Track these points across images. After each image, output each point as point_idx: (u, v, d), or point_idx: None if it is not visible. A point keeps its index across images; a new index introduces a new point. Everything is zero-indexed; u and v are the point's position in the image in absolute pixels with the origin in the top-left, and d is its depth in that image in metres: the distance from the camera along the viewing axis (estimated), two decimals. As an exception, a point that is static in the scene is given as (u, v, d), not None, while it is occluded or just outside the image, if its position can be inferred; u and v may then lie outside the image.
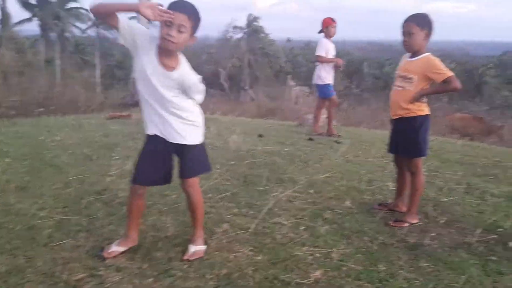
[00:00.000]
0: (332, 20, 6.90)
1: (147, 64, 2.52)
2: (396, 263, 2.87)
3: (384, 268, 2.81)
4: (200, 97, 2.68)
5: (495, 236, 3.34)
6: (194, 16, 2.48)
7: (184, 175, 2.78)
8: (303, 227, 3.35)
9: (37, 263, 2.68)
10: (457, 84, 3.25)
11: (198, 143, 2.78)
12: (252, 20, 53.92)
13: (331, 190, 4.21)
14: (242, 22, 51.63)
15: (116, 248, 2.80)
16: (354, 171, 4.90)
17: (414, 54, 3.41)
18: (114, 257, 2.76)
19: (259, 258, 2.86)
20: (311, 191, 4.17)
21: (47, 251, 2.83)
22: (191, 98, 2.66)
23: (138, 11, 2.40)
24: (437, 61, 3.32)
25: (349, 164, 5.21)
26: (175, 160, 2.81)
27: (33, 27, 39.57)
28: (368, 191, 4.25)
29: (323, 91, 7.11)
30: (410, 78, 3.39)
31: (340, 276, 2.69)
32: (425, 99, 3.45)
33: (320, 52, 6.89)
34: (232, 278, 2.62)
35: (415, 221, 3.53)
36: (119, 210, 3.52)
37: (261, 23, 54.97)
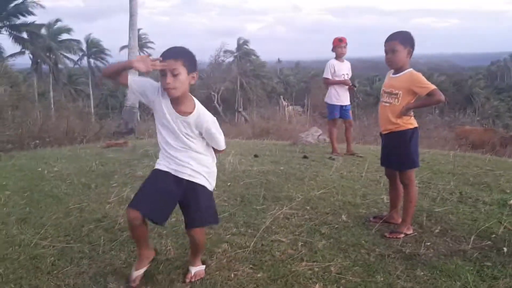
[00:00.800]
0: (339, 40, 6.75)
1: (166, 112, 2.62)
2: (393, 273, 2.94)
3: (382, 278, 2.87)
4: (221, 138, 2.77)
5: (489, 242, 3.43)
6: (182, 55, 2.55)
7: (194, 224, 2.78)
8: (301, 243, 3.42)
9: (42, 291, 2.73)
10: (441, 96, 3.37)
11: (209, 189, 2.83)
12: (242, 44, 54.68)
13: (326, 206, 4.30)
14: (232, 46, 52.35)
15: (136, 274, 2.79)
16: (348, 186, 4.99)
17: (398, 70, 3.55)
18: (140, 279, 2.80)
19: (259, 275, 2.92)
20: (308, 207, 4.25)
21: (51, 279, 2.88)
22: (213, 143, 2.77)
23: (131, 67, 2.53)
24: (420, 76, 3.44)
25: (344, 180, 5.30)
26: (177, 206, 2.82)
27: (25, 61, 39.89)
28: (363, 205, 4.33)
29: (328, 111, 7.11)
30: (395, 94, 3.51)
31: (339, 289, 2.75)
32: (411, 113, 3.56)
33: (326, 74, 6.83)
34: (234, 296, 2.67)
35: (410, 231, 3.61)
36: (119, 236, 3.58)
37: (251, 46, 55.81)
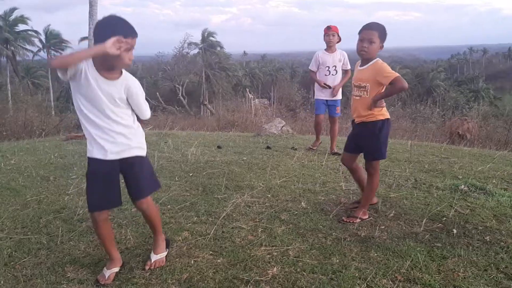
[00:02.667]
0: (327, 28, 6.15)
1: (91, 82, 2.52)
2: (349, 255, 3.05)
3: (337, 260, 2.98)
4: (147, 105, 2.75)
5: (440, 224, 3.60)
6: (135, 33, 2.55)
7: (143, 194, 2.78)
8: (261, 229, 3.49)
9: (-1, 282, 2.70)
10: (403, 83, 3.36)
11: (144, 155, 2.81)
12: (207, 36, 54.23)
13: (287, 193, 4.39)
14: (197, 38, 51.82)
15: (109, 272, 2.76)
16: (309, 175, 5.10)
17: (365, 61, 3.57)
18: (112, 279, 2.75)
19: (219, 260, 2.97)
20: (269, 195, 4.33)
21: (9, 270, 2.85)
22: (137, 110, 2.74)
23: (105, 52, 2.39)
24: (384, 65, 3.47)
25: (305, 168, 5.41)
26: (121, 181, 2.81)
27: (-20, 52, 38.31)
28: (322, 192, 4.45)
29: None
30: (363, 87, 3.55)
31: (296, 271, 2.84)
32: (383, 104, 3.59)
33: (311, 65, 6.42)
34: (193, 281, 2.71)
35: (365, 216, 3.73)
36: (78, 226, 3.55)
37: (216, 38, 55.45)
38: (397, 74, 3.39)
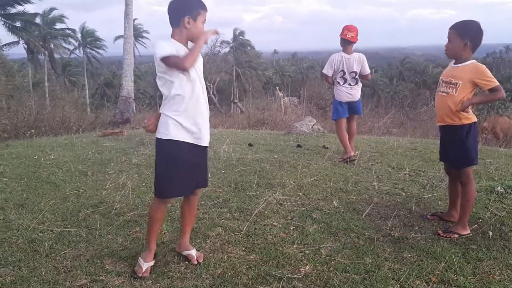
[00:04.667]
0: (346, 28, 5.82)
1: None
2: (382, 256, 3.04)
3: (370, 260, 2.98)
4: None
5: (475, 226, 3.53)
6: None
7: (206, 182, 3.07)
8: (292, 227, 3.52)
9: (41, 272, 2.82)
10: (503, 93, 3.22)
11: None
12: (238, 35, 54.50)
13: (318, 192, 4.39)
14: (228, 37, 52.12)
15: (146, 265, 2.81)
16: (340, 174, 5.09)
17: (458, 61, 3.39)
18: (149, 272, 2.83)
19: (251, 257, 3.02)
20: (300, 193, 4.35)
21: (50, 261, 2.97)
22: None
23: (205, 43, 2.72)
24: (485, 68, 3.27)
25: (336, 167, 5.39)
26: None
27: (20, 50, 39.63)
28: (354, 192, 4.43)
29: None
30: (454, 84, 3.34)
31: (328, 270, 2.85)
32: (469, 109, 3.39)
33: (325, 69, 6.00)
34: (227, 277, 2.77)
35: (465, 232, 3.41)
36: (115, 220, 3.67)
37: (247, 37, 55.68)
38: (498, 83, 3.22)
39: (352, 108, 6.01)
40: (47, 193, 4.42)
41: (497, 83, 3.21)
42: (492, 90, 3.22)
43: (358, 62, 5.84)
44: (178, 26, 2.66)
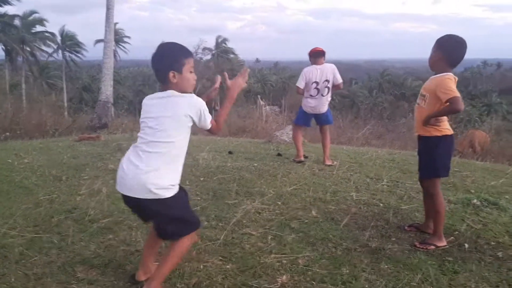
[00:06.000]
0: (312, 50, 6.19)
1: None
2: (359, 266, 3.03)
3: (347, 271, 2.96)
4: None
5: (452, 238, 3.56)
6: None
7: None
8: (270, 236, 3.48)
9: (10, 279, 2.72)
10: (459, 105, 3.17)
11: None
12: (221, 42, 54.58)
13: (297, 201, 4.38)
14: (210, 44, 52.10)
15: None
16: (319, 183, 5.08)
17: (436, 73, 3.40)
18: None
19: (228, 266, 2.97)
20: (279, 202, 4.32)
21: (19, 268, 2.87)
22: None
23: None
24: (448, 81, 3.25)
25: (315, 177, 5.39)
26: None
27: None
28: (333, 201, 4.43)
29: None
30: (424, 96, 3.40)
31: (305, 280, 2.82)
32: (439, 122, 3.36)
33: (298, 82, 6.21)
34: (202, 286, 2.71)
35: (442, 244, 3.42)
36: (89, 227, 3.57)
37: (229, 44, 55.79)
38: (456, 94, 3.17)
39: (320, 120, 6.29)
40: (19, 197, 4.29)
41: (455, 95, 3.16)
42: (449, 101, 3.18)
43: (330, 70, 6.05)
44: (166, 83, 2.47)
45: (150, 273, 2.68)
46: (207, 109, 2.49)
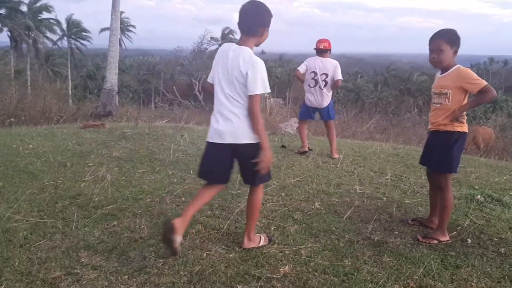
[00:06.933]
0: (318, 41, 6.22)
1: None
2: (361, 258, 3.04)
3: (350, 263, 2.97)
4: None
5: (455, 233, 3.56)
6: None
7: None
8: (273, 227, 3.50)
9: (14, 263, 2.75)
10: (494, 92, 3.13)
11: None
12: (227, 33, 54.37)
13: (301, 193, 4.38)
14: (216, 34, 51.91)
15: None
16: (323, 176, 5.09)
17: (444, 69, 3.36)
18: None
19: (231, 255, 2.98)
20: (282, 194, 4.33)
21: (24, 252, 2.89)
22: None
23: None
24: (469, 71, 3.23)
25: (319, 169, 5.39)
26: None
27: (3, 38, 38.84)
28: (336, 194, 4.43)
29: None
30: (445, 94, 3.32)
31: (307, 271, 2.83)
32: (464, 117, 3.34)
33: (299, 67, 6.29)
34: (205, 274, 2.73)
35: (445, 238, 3.41)
36: (93, 213, 3.59)
37: (236, 36, 55.58)
38: (486, 83, 3.13)
39: (323, 115, 6.34)
40: (24, 182, 4.32)
41: (485, 83, 3.12)
42: (481, 91, 3.14)
43: (332, 65, 6.10)
44: (254, 35, 2.86)
45: (187, 223, 2.88)
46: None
